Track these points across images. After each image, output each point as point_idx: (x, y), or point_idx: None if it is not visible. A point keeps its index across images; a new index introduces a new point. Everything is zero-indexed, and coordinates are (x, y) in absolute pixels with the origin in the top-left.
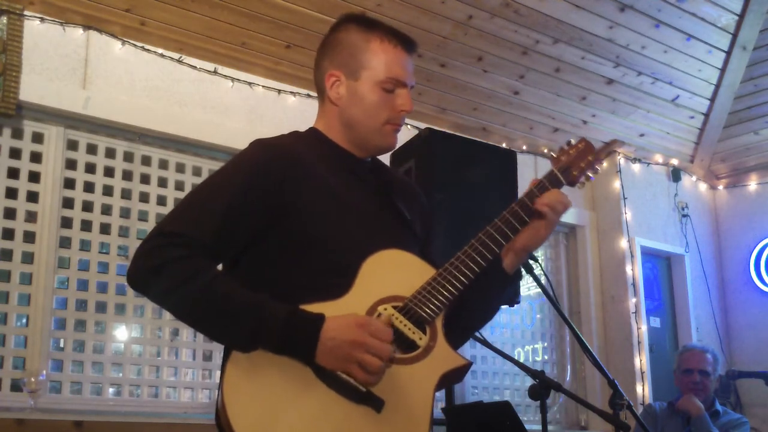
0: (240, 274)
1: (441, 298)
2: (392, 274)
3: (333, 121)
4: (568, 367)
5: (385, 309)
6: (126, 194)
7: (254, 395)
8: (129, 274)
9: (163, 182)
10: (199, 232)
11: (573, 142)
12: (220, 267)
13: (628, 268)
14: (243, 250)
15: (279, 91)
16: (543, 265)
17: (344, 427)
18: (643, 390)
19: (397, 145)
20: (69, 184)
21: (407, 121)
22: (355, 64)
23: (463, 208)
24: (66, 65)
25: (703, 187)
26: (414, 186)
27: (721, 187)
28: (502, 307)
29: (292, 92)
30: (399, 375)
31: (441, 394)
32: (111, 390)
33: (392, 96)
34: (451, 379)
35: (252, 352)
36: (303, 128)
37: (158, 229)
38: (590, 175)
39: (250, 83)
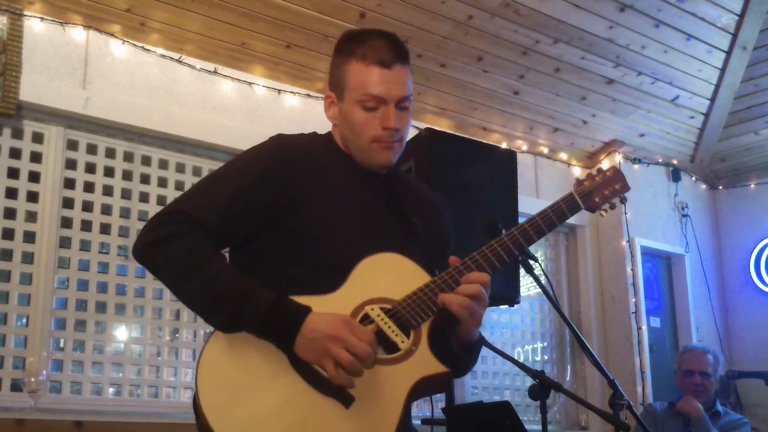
0: (240, 261)
1: (430, 304)
2: (386, 276)
3: (338, 136)
4: (568, 367)
5: (372, 309)
6: (126, 194)
7: (227, 374)
8: (134, 246)
9: (163, 182)
10: (203, 215)
11: (602, 168)
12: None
13: (628, 268)
14: (246, 239)
15: (279, 91)
16: (543, 265)
17: (309, 417)
18: (643, 390)
19: None
20: (69, 184)
21: None
22: (341, 86)
23: (463, 208)
24: (66, 65)
25: (703, 187)
26: (437, 204)
27: (721, 187)
28: (502, 307)
29: (292, 92)
30: (375, 374)
31: (440, 395)
32: (111, 390)
33: (376, 114)
34: (429, 386)
35: (234, 334)
36: (302, 128)
37: (167, 207)
38: (614, 203)
39: (250, 83)
